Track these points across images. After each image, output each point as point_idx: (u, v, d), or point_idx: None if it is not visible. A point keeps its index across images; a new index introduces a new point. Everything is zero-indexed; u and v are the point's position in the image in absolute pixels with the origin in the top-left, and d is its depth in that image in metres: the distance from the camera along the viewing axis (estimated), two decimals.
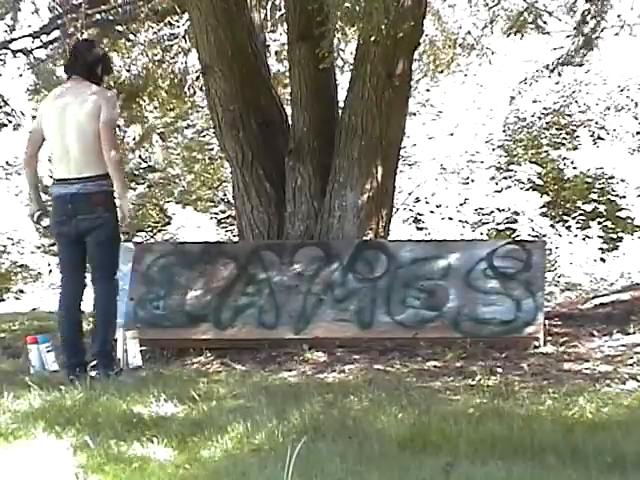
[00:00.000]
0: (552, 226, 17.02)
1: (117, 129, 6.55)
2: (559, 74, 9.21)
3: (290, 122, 8.35)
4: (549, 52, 9.78)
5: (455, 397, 5.09)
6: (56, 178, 6.19)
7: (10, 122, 11.74)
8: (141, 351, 6.53)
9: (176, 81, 11.58)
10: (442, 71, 13.98)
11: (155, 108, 13.63)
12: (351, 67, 8.52)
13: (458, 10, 11.87)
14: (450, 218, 17.18)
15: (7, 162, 20.20)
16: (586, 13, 7.98)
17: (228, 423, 4.34)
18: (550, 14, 8.94)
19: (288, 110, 8.56)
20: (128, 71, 11.24)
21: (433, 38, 12.15)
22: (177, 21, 11.01)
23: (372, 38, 6.92)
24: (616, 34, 8.83)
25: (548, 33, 8.39)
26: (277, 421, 4.34)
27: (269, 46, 10.81)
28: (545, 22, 8.25)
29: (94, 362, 6.04)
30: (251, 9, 8.80)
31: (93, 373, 5.95)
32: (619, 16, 8.77)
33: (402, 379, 5.88)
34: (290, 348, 6.92)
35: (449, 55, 12.61)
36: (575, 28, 8.27)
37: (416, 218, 17.17)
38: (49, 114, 6.20)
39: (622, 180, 17.30)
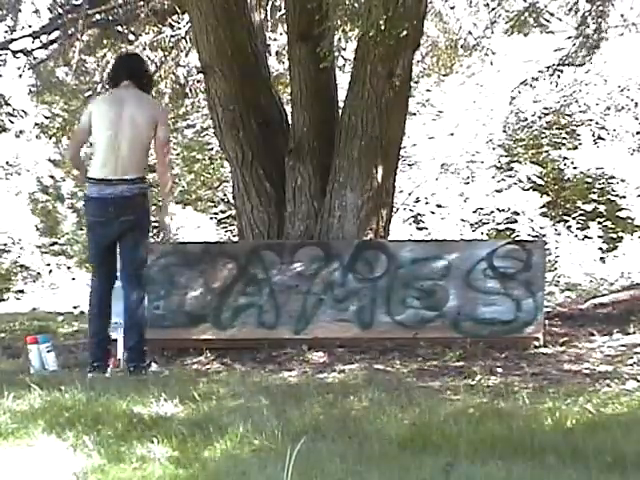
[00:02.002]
0: (553, 226, 17.02)
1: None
2: (559, 76, 9.21)
3: (290, 122, 8.35)
4: (549, 52, 9.79)
5: (455, 397, 5.09)
6: (97, 178, 6.19)
7: (12, 122, 11.74)
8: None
9: (177, 86, 11.58)
10: (446, 74, 14.00)
11: None
12: (351, 67, 8.52)
13: (458, 11, 11.86)
14: (450, 218, 17.16)
15: (7, 162, 20.20)
16: (587, 14, 7.97)
17: (228, 423, 4.34)
18: (552, 14, 8.93)
19: (288, 110, 8.56)
20: None
21: (436, 40, 12.15)
22: (177, 22, 11.01)
23: (371, 34, 6.92)
24: (621, 34, 8.82)
25: (552, 32, 8.39)
26: (277, 421, 4.34)
27: (269, 46, 10.81)
28: (548, 20, 8.24)
29: (126, 356, 6.25)
30: (251, 9, 8.80)
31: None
32: (622, 15, 8.76)
33: (402, 379, 5.89)
34: (290, 348, 6.93)
35: (451, 57, 12.60)
36: (576, 28, 8.26)
37: (416, 218, 17.16)
38: (102, 111, 6.23)
39: (622, 180, 17.29)
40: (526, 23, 8.03)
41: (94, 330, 6.33)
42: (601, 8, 7.82)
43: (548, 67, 9.17)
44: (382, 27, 6.69)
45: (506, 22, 9.35)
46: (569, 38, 8.44)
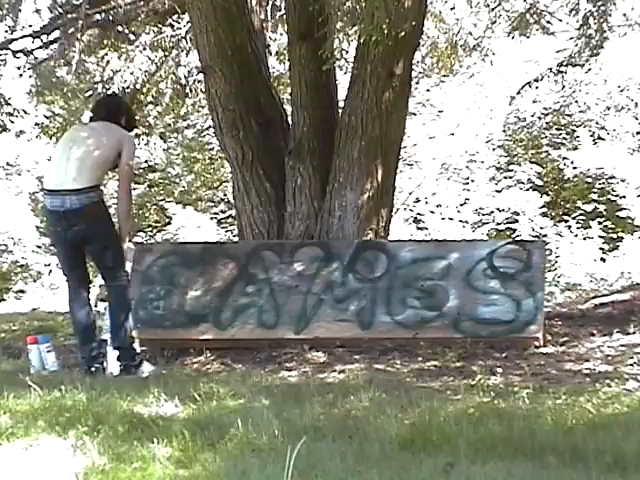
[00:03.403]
0: (553, 226, 17.02)
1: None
2: (563, 76, 9.20)
3: (290, 122, 8.35)
4: (550, 52, 9.79)
5: (455, 397, 5.09)
6: (48, 189, 6.35)
7: (12, 122, 11.75)
8: (141, 351, 6.56)
9: (178, 86, 11.58)
10: (447, 75, 14.00)
11: (159, 113, 13.64)
12: (351, 67, 8.52)
13: (458, 11, 11.86)
14: (450, 218, 17.17)
15: (7, 162, 20.20)
16: (589, 14, 7.95)
17: (228, 423, 4.34)
18: (551, 14, 8.94)
19: (288, 110, 8.56)
20: (132, 74, 11.25)
21: (436, 40, 12.14)
22: (177, 22, 11.01)
23: (373, 39, 6.92)
24: (624, 34, 8.81)
25: (552, 34, 8.38)
26: (277, 421, 4.34)
27: (269, 46, 10.81)
28: (549, 22, 8.24)
29: (117, 355, 6.30)
30: (251, 9, 8.80)
31: (116, 369, 6.26)
32: (625, 15, 8.74)
33: (402, 379, 5.88)
34: (290, 348, 6.93)
35: (452, 57, 12.60)
36: (578, 29, 8.25)
37: (416, 218, 17.17)
38: (69, 132, 6.64)
39: (622, 180, 17.30)
40: (527, 25, 8.03)
41: (79, 334, 6.43)
42: (603, 8, 7.81)
43: (550, 69, 9.16)
44: (384, 29, 6.68)
45: (508, 24, 9.33)
46: (571, 39, 8.43)
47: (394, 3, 6.85)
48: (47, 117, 14.48)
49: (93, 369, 6.18)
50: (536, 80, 10.32)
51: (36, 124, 13.70)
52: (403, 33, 7.08)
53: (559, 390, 5.14)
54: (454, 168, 17.46)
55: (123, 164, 6.34)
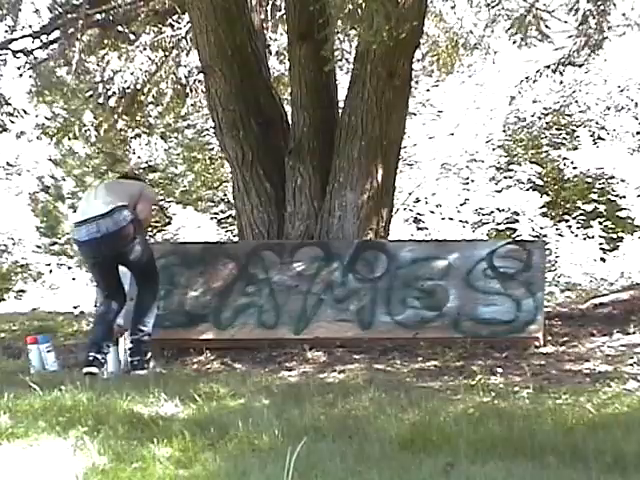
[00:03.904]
0: (553, 226, 17.00)
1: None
2: (561, 73, 9.19)
3: (290, 122, 8.35)
4: (550, 52, 9.76)
5: (455, 397, 5.09)
6: (78, 221, 6.57)
7: (13, 123, 11.74)
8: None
9: (178, 86, 11.58)
10: (448, 73, 13.98)
11: (160, 113, 13.63)
12: (351, 67, 8.52)
13: (459, 10, 11.86)
14: (450, 218, 17.15)
15: (8, 162, 20.19)
16: (588, 13, 7.94)
17: (228, 423, 4.35)
18: (550, 12, 8.92)
19: (288, 110, 8.56)
20: (132, 74, 11.24)
21: (436, 39, 12.14)
22: (177, 22, 11.01)
23: (372, 41, 6.92)
24: (623, 33, 8.79)
25: (550, 40, 8.34)
26: (277, 421, 4.34)
27: (269, 46, 10.81)
28: (547, 26, 8.22)
29: (131, 350, 6.50)
30: (251, 9, 8.80)
31: (118, 367, 6.47)
32: (624, 14, 8.73)
33: (402, 379, 5.89)
34: (290, 348, 6.93)
35: (452, 56, 12.59)
36: (577, 28, 8.24)
37: (416, 218, 17.15)
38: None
39: (622, 180, 17.28)
40: (527, 29, 8.00)
41: (94, 338, 6.52)
42: (602, 7, 7.80)
43: (548, 66, 9.14)
44: (384, 33, 6.67)
45: (507, 22, 9.31)
46: (570, 37, 8.42)
47: (393, 7, 6.82)
48: (48, 118, 14.46)
49: (92, 369, 6.17)
50: (535, 80, 10.32)
51: (37, 125, 13.68)
52: (403, 35, 7.08)
53: (559, 390, 5.15)
54: (455, 168, 17.45)
55: (143, 200, 6.63)
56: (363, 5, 6.88)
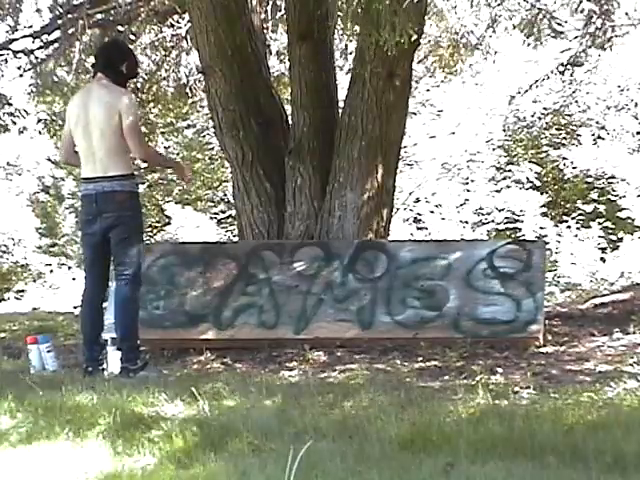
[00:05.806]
0: (554, 226, 17.01)
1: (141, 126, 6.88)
2: (562, 73, 9.18)
3: (290, 122, 8.35)
4: (550, 52, 9.76)
5: (455, 397, 5.09)
6: (83, 177, 6.32)
7: (14, 123, 11.74)
8: (145, 354, 6.56)
9: (178, 86, 11.58)
10: (451, 72, 13.97)
11: (160, 111, 13.63)
12: (351, 67, 8.52)
13: (459, 10, 11.85)
14: (450, 218, 17.16)
15: (8, 162, 20.20)
16: (593, 13, 7.92)
17: (228, 423, 4.34)
18: (551, 14, 8.91)
19: (288, 110, 8.56)
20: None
21: (438, 39, 12.14)
22: (177, 22, 11.01)
23: (373, 42, 6.91)
24: (626, 33, 8.76)
25: (562, 34, 8.32)
26: (277, 421, 4.34)
27: (269, 46, 10.81)
28: (559, 24, 8.21)
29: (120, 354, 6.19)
30: (251, 9, 8.80)
31: (117, 369, 6.16)
32: (627, 14, 8.71)
33: (402, 379, 5.88)
34: (290, 348, 6.93)
35: (453, 56, 12.59)
36: (583, 28, 8.22)
37: (416, 218, 17.16)
38: (74, 117, 6.31)
39: (622, 180, 17.29)
40: (540, 30, 7.99)
41: (84, 333, 6.33)
42: (606, 7, 7.78)
43: (558, 69, 9.11)
44: (386, 37, 6.66)
45: (521, 28, 9.26)
46: (576, 37, 8.41)
47: (395, 8, 6.79)
48: (50, 120, 14.46)
49: (91, 369, 6.14)
50: (536, 81, 10.30)
51: (39, 120, 13.67)
52: (403, 36, 7.06)
53: (559, 390, 5.14)
54: (455, 168, 17.45)
55: (127, 130, 6.11)
56: (363, 5, 6.86)
